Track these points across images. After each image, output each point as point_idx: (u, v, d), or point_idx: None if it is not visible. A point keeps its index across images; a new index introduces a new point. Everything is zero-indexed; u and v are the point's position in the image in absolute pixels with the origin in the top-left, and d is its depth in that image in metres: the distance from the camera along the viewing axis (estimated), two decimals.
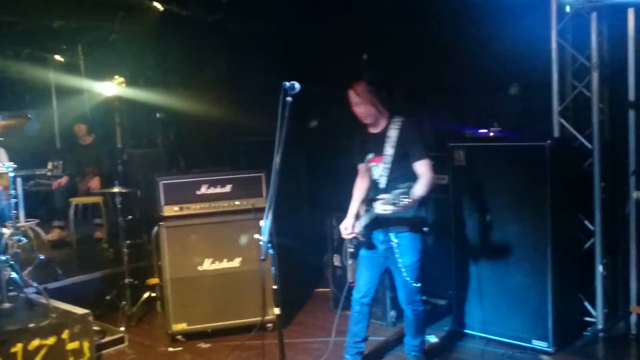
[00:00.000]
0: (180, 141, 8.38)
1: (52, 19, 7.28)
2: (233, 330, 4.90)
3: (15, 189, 5.07)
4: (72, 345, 4.35)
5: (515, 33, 4.79)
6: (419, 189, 3.57)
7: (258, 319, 4.67)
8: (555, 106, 4.77)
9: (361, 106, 3.81)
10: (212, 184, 4.93)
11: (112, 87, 7.98)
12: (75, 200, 7.13)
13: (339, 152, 6.21)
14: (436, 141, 4.94)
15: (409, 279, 3.86)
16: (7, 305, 4.54)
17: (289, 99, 3.09)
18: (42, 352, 4.20)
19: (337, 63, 6.41)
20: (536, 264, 4.30)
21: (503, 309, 4.49)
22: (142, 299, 5.42)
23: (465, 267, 4.67)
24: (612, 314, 4.70)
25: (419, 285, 3.91)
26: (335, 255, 5.31)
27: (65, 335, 4.31)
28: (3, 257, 4.60)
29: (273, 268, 3.18)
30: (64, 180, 7.32)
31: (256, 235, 3.12)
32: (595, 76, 4.56)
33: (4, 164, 5.15)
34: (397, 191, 3.39)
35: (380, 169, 3.87)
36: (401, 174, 3.77)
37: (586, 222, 4.70)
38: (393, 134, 3.82)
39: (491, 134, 4.84)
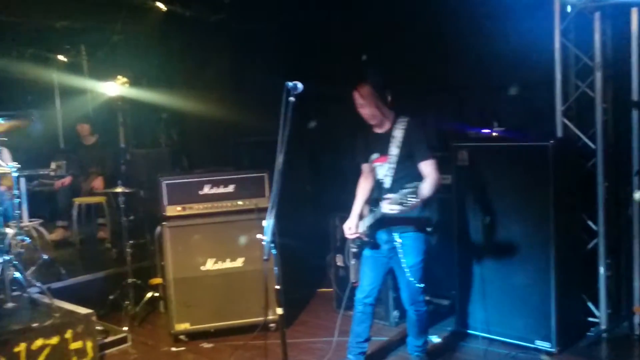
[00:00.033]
0: (184, 141, 8.39)
1: (56, 20, 7.30)
2: (236, 330, 4.91)
3: (18, 188, 5.09)
4: (75, 345, 4.36)
5: (518, 33, 4.79)
6: (426, 189, 3.57)
7: (261, 319, 4.68)
8: (559, 106, 4.76)
9: (366, 108, 3.81)
10: (215, 184, 4.94)
11: (115, 87, 7.98)
12: (78, 200, 7.14)
13: (341, 152, 6.21)
14: (439, 141, 4.94)
15: (412, 279, 3.86)
16: (10, 304, 4.54)
17: (291, 99, 3.09)
18: (46, 351, 4.21)
19: (340, 63, 6.42)
20: (539, 264, 4.29)
21: (506, 309, 4.48)
22: (145, 299, 5.42)
23: (469, 268, 4.66)
24: (615, 314, 4.69)
25: (422, 285, 3.91)
26: (338, 255, 5.31)
27: (68, 335, 4.32)
28: (7, 257, 4.61)
29: (276, 268, 3.19)
30: (67, 180, 7.33)
31: (259, 235, 3.12)
32: (598, 76, 4.55)
33: (7, 164, 5.16)
34: (405, 191, 3.39)
35: (385, 169, 3.87)
36: (406, 174, 3.77)
37: (589, 223, 4.70)
38: (398, 134, 3.82)
39: (494, 134, 4.83)
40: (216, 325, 4.93)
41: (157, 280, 5.48)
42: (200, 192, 4.91)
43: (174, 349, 4.83)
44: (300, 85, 3.10)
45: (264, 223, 3.11)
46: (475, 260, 4.63)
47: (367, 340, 4.12)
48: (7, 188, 5.49)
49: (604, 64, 4.55)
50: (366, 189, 4.06)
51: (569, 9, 4.56)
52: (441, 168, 3.84)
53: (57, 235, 7.28)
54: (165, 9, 7.12)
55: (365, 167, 4.08)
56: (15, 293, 4.67)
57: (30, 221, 6.88)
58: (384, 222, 3.83)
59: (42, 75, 8.97)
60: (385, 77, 3.87)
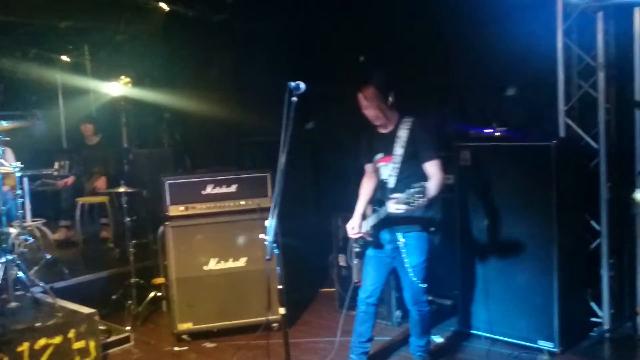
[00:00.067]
0: (186, 141, 8.41)
1: (59, 20, 7.32)
2: (238, 330, 4.91)
3: (22, 188, 5.10)
4: (78, 345, 4.37)
5: (520, 32, 4.78)
6: (432, 189, 3.56)
7: (263, 318, 4.68)
8: (561, 106, 4.76)
9: (370, 109, 3.81)
10: (218, 183, 4.94)
11: (118, 87, 8.01)
12: (81, 200, 7.15)
13: (344, 152, 6.21)
14: (443, 141, 4.94)
15: (415, 279, 3.86)
16: (13, 304, 4.55)
17: (294, 99, 3.09)
18: (49, 351, 4.22)
19: (342, 63, 6.42)
20: (542, 264, 4.29)
21: (509, 309, 4.48)
22: (148, 299, 5.43)
23: (471, 267, 4.66)
24: (618, 314, 4.68)
25: (425, 285, 3.91)
26: (340, 255, 5.31)
27: (71, 334, 4.33)
28: (10, 257, 4.62)
29: (278, 268, 3.19)
30: (70, 180, 7.35)
31: (261, 235, 3.13)
32: (601, 76, 4.55)
33: (10, 164, 5.18)
34: (412, 190, 3.39)
35: (389, 169, 3.88)
36: (410, 174, 3.77)
37: (592, 222, 4.69)
38: (403, 134, 3.82)
39: (497, 133, 4.83)
40: (219, 325, 4.93)
41: (160, 280, 5.49)
42: (203, 192, 4.92)
43: (176, 348, 4.84)
44: (302, 85, 3.10)
45: (267, 223, 3.11)
46: (477, 260, 4.62)
47: (370, 340, 4.13)
48: (11, 188, 5.51)
49: (607, 63, 4.54)
50: (369, 188, 4.06)
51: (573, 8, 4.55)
52: (444, 168, 3.84)
53: (60, 235, 7.30)
54: (168, 9, 7.14)
55: (368, 167, 4.08)
56: (18, 292, 4.69)
57: (34, 221, 6.90)
58: (388, 222, 3.83)
59: (45, 75, 9.00)
60: (390, 78, 3.86)
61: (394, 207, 3.51)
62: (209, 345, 4.86)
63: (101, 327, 4.70)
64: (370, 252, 4.02)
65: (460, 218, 4.70)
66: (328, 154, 6.99)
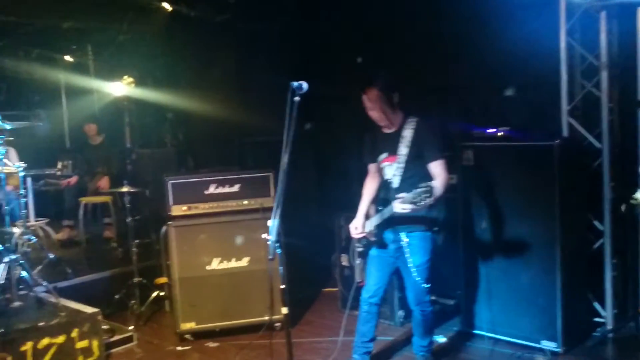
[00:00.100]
0: (189, 141, 8.42)
1: (62, 20, 7.33)
2: (241, 330, 4.91)
3: (25, 188, 5.11)
4: (82, 344, 4.38)
5: (523, 32, 4.77)
6: (437, 189, 3.56)
7: (266, 318, 4.68)
8: (564, 106, 4.75)
9: (374, 111, 3.81)
10: (221, 183, 4.95)
11: (121, 87, 8.02)
12: (84, 200, 7.17)
13: (347, 152, 6.22)
14: (446, 141, 4.93)
15: (418, 278, 3.86)
16: (17, 303, 4.56)
17: (296, 98, 3.09)
18: (52, 350, 4.23)
19: (346, 63, 6.42)
20: (545, 264, 4.28)
21: (512, 309, 4.47)
22: (151, 298, 5.44)
23: (474, 267, 4.66)
24: (621, 314, 4.67)
25: (428, 285, 3.91)
26: (343, 254, 5.31)
27: (74, 333, 4.34)
28: (13, 256, 4.63)
29: (281, 267, 3.19)
30: (73, 179, 7.36)
31: (264, 235, 3.13)
32: (604, 75, 4.54)
33: (14, 164, 5.19)
34: (419, 190, 3.38)
35: (393, 169, 3.87)
36: (414, 174, 3.77)
37: (595, 222, 4.68)
38: (408, 134, 3.82)
39: (499, 133, 4.82)
40: (221, 325, 4.93)
41: (163, 280, 5.50)
42: (206, 192, 4.93)
43: (179, 348, 4.84)
44: (305, 85, 3.10)
45: (269, 223, 3.11)
46: (480, 260, 4.62)
47: (373, 340, 4.13)
48: (14, 187, 5.52)
49: (610, 63, 4.53)
50: (372, 188, 4.06)
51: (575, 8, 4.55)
52: (448, 168, 3.84)
53: (63, 234, 7.31)
54: (171, 9, 7.14)
55: (371, 167, 4.08)
56: (21, 292, 4.69)
57: (37, 220, 6.92)
58: (391, 222, 3.83)
59: (48, 75, 9.02)
60: (393, 79, 3.87)
61: (399, 206, 3.51)
62: (211, 344, 4.86)
63: (104, 327, 4.71)
64: (373, 251, 4.02)
65: (463, 218, 4.70)
66: (331, 153, 7.00)
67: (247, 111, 6.83)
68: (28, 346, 4.11)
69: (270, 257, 3.09)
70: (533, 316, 4.37)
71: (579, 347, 4.40)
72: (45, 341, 4.20)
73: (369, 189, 4.07)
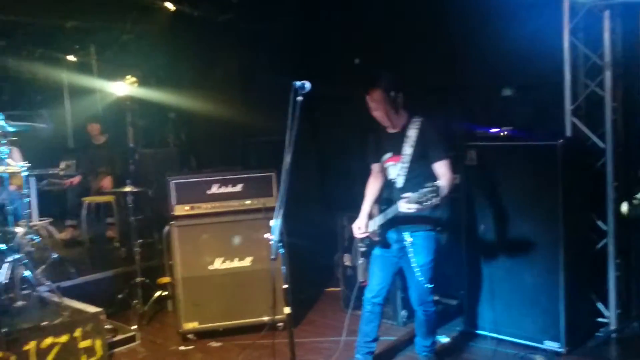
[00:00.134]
0: (192, 141, 8.42)
1: (65, 20, 7.34)
2: (244, 330, 4.91)
3: (28, 188, 5.11)
4: (85, 344, 4.38)
5: (526, 31, 4.76)
6: (444, 189, 3.56)
7: (269, 318, 4.68)
8: (568, 105, 4.74)
9: (378, 111, 3.82)
10: (223, 183, 4.95)
11: (124, 87, 8.02)
12: (87, 200, 7.18)
13: (350, 152, 6.21)
14: (450, 141, 4.93)
15: (422, 278, 3.85)
16: (20, 303, 4.57)
17: (299, 98, 3.09)
18: (55, 350, 4.23)
19: (349, 63, 6.41)
20: (548, 263, 4.27)
21: (515, 309, 4.47)
22: (154, 298, 5.44)
23: (477, 267, 4.65)
24: (625, 314, 4.66)
25: (431, 285, 3.90)
26: (345, 254, 5.31)
27: (77, 333, 4.35)
28: (16, 256, 4.64)
29: (284, 267, 3.19)
30: (76, 179, 7.37)
31: (267, 235, 3.13)
32: (608, 75, 4.53)
33: (17, 164, 5.19)
34: (425, 190, 3.37)
35: (397, 169, 3.87)
36: (419, 174, 3.76)
37: (599, 222, 4.67)
38: (412, 133, 3.82)
39: (503, 133, 4.81)
40: (224, 324, 4.94)
41: (166, 279, 5.50)
42: (208, 192, 4.93)
43: (182, 347, 4.85)
44: (308, 85, 3.10)
45: (272, 222, 3.11)
46: (483, 260, 4.61)
47: (375, 340, 4.12)
48: (17, 187, 5.52)
49: (614, 62, 4.52)
50: (375, 188, 4.06)
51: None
52: (452, 168, 3.83)
53: (66, 234, 7.32)
54: (174, 9, 7.15)
55: (374, 166, 4.07)
56: (25, 292, 4.69)
57: (40, 220, 6.93)
58: (395, 222, 3.82)
59: (51, 75, 9.03)
60: (397, 79, 3.86)
61: (405, 206, 3.50)
62: (214, 344, 4.87)
63: (107, 326, 4.72)
64: (376, 251, 4.01)
65: (466, 218, 4.69)
66: (333, 153, 6.99)
67: (250, 111, 6.83)
68: (31, 345, 4.12)
69: (272, 256, 3.09)
70: (536, 316, 4.36)
71: (582, 348, 4.39)
72: (48, 341, 4.20)
73: (372, 188, 4.07)
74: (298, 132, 3.06)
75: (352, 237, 4.14)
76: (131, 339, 4.93)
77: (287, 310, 3.20)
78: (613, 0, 4.40)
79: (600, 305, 4.69)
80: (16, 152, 6.10)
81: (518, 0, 4.71)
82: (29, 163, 5.16)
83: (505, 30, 4.97)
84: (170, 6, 7.13)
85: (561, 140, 4.22)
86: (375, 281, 4.01)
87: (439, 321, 4.35)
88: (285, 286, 3.19)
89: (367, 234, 3.97)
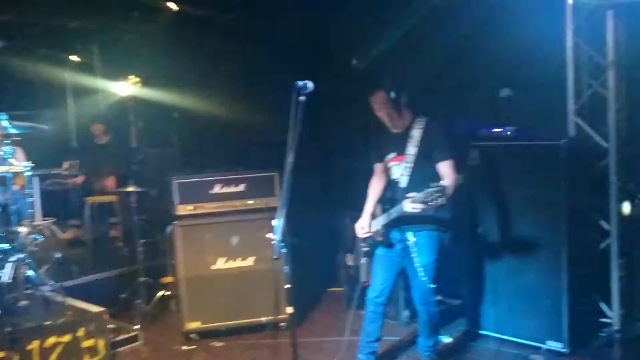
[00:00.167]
0: (195, 140, 8.42)
1: (68, 20, 7.35)
2: (247, 329, 4.92)
3: (32, 187, 5.12)
4: (88, 343, 4.39)
5: (530, 31, 4.75)
6: (448, 188, 3.56)
7: (271, 317, 4.69)
8: (571, 105, 4.73)
9: (381, 112, 3.83)
10: (226, 183, 4.96)
11: (127, 87, 8.03)
12: (90, 200, 7.18)
13: (352, 152, 6.20)
14: (453, 141, 4.92)
15: (425, 278, 3.85)
16: (23, 303, 4.57)
17: (302, 98, 3.09)
18: (58, 349, 4.24)
19: (351, 62, 6.40)
20: (551, 264, 4.27)
21: (518, 310, 4.46)
22: (157, 298, 5.45)
23: (480, 267, 4.65)
24: (628, 315, 4.65)
25: (434, 286, 3.90)
26: (348, 254, 5.30)
27: (80, 333, 4.35)
28: (20, 255, 4.65)
29: (286, 267, 3.19)
30: (79, 179, 7.38)
31: (269, 235, 3.13)
32: (611, 74, 4.52)
33: (20, 164, 5.20)
34: (430, 190, 3.37)
35: (401, 169, 3.87)
36: (422, 174, 3.76)
37: (602, 222, 4.66)
38: (416, 133, 3.82)
39: (506, 133, 4.80)
40: (227, 324, 4.94)
41: (169, 279, 5.51)
42: (211, 192, 4.94)
43: (185, 347, 4.85)
44: (310, 84, 3.10)
45: (274, 222, 3.11)
46: (486, 260, 4.61)
47: (378, 339, 4.12)
48: (20, 187, 5.53)
49: (617, 62, 4.51)
50: (378, 188, 4.06)
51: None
52: (456, 168, 3.83)
53: (69, 234, 7.33)
54: (177, 8, 7.15)
55: (377, 166, 4.07)
56: (28, 291, 4.70)
57: (43, 220, 6.93)
58: (398, 221, 3.82)
59: (54, 75, 9.03)
60: (400, 79, 3.86)
61: (410, 206, 3.50)
62: (217, 344, 4.87)
63: (110, 326, 4.72)
64: (379, 251, 4.01)
65: (469, 218, 4.68)
66: (336, 153, 6.99)
67: (253, 110, 6.83)
68: (34, 345, 4.12)
69: (275, 256, 3.10)
70: (539, 316, 4.36)
71: (585, 348, 4.38)
72: (51, 340, 4.21)
73: (375, 188, 4.07)
74: (300, 131, 3.06)
75: (354, 237, 4.14)
76: (134, 339, 4.93)
77: (289, 310, 3.21)
78: (616, 0, 4.39)
79: (603, 306, 4.68)
80: (19, 152, 6.10)
81: (521, 0, 4.70)
82: (32, 163, 5.17)
83: (509, 30, 4.96)
84: (173, 6, 7.13)
85: (564, 140, 4.22)
86: (378, 281, 4.01)
87: (442, 321, 4.34)
88: (288, 286, 3.19)
89: (370, 234, 3.97)
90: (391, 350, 4.58)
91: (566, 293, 4.22)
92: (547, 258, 4.29)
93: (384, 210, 3.91)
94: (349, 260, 5.30)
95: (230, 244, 4.92)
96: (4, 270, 4.55)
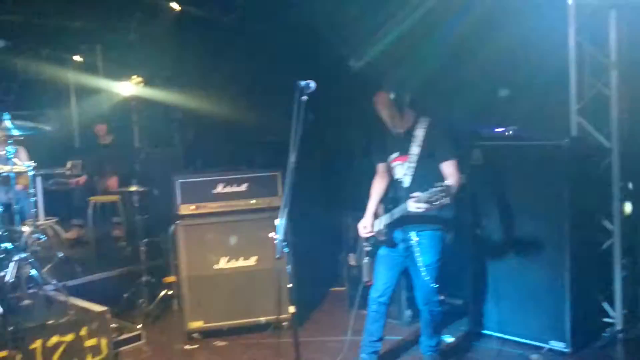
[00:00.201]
0: (197, 140, 8.44)
1: (71, 20, 7.37)
2: (249, 329, 4.92)
3: (35, 187, 5.14)
4: (90, 342, 4.40)
5: (532, 31, 4.75)
6: (452, 188, 3.55)
7: (274, 317, 4.69)
8: (574, 105, 4.73)
9: (383, 113, 3.84)
10: (228, 182, 4.96)
11: (130, 87, 8.06)
12: (93, 199, 7.20)
13: (354, 152, 6.21)
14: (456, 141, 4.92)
15: (428, 278, 3.85)
16: (26, 302, 4.59)
17: (304, 97, 3.09)
18: (61, 348, 4.25)
19: (354, 62, 6.40)
20: (554, 263, 4.26)
21: (520, 309, 4.45)
22: (159, 297, 5.46)
23: (483, 267, 4.64)
24: (631, 314, 4.64)
25: (437, 285, 3.90)
26: (350, 254, 5.30)
27: (83, 332, 4.36)
28: (23, 255, 4.66)
29: (288, 267, 3.19)
30: (82, 179, 7.40)
31: (271, 234, 3.13)
32: (614, 74, 4.51)
33: (24, 163, 5.22)
34: (435, 189, 3.37)
35: (404, 168, 3.87)
36: (426, 173, 3.76)
37: (605, 222, 4.65)
38: (420, 133, 3.82)
39: (508, 132, 4.80)
40: (229, 324, 4.94)
41: (171, 279, 5.51)
42: (214, 191, 4.94)
43: (187, 346, 4.86)
44: (312, 84, 3.10)
45: (277, 222, 3.12)
46: (489, 259, 4.60)
47: (381, 339, 4.12)
48: (24, 186, 5.56)
49: (620, 62, 4.50)
50: (381, 188, 4.06)
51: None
52: (459, 167, 3.83)
53: (72, 233, 7.35)
54: (180, 9, 7.17)
55: (380, 166, 4.07)
56: (31, 290, 4.72)
57: (46, 219, 6.95)
58: (401, 221, 3.82)
59: (58, 75, 9.07)
60: (402, 79, 3.86)
61: (414, 205, 3.49)
62: (219, 343, 4.87)
63: (113, 325, 4.72)
64: (382, 251, 4.01)
65: (471, 217, 4.68)
66: (338, 153, 6.99)
67: (255, 110, 6.84)
68: (37, 344, 4.13)
69: (277, 256, 3.10)
70: (542, 316, 4.35)
71: (588, 348, 4.37)
72: (54, 339, 4.22)
73: (378, 188, 4.07)
74: (303, 131, 3.06)
75: (357, 237, 4.14)
76: (136, 338, 4.94)
77: (292, 309, 3.21)
78: (619, 0, 4.38)
79: (606, 305, 4.67)
80: (22, 152, 6.12)
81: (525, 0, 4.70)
82: (35, 163, 5.19)
83: (511, 30, 4.96)
84: (175, 6, 7.15)
85: (567, 140, 4.21)
86: (380, 281, 4.01)
87: (444, 321, 4.34)
88: (290, 285, 3.19)
89: (372, 233, 3.97)
90: (393, 349, 4.57)
91: (569, 293, 4.21)
92: (550, 258, 4.28)
93: (387, 210, 3.91)
94: (352, 259, 5.29)
95: (231, 243, 4.92)
96: (7, 270, 4.57)
